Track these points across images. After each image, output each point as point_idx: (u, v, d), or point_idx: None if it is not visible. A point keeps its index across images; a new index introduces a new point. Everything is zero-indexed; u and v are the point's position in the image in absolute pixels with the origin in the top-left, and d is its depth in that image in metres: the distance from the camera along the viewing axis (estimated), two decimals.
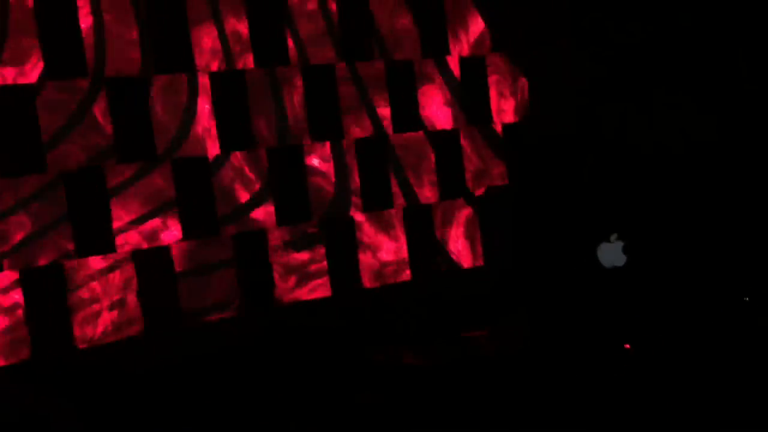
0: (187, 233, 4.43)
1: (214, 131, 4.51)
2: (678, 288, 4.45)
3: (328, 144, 4.82)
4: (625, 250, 4.48)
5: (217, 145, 4.52)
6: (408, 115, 5.08)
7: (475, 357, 4.27)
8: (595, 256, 4.52)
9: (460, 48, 5.23)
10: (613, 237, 4.53)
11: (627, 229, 4.51)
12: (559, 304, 4.54)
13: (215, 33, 4.50)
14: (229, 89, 4.54)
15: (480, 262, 5.27)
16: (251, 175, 4.63)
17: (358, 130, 4.90)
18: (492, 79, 5.33)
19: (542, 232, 4.93)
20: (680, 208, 4.76)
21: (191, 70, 4.42)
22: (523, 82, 5.37)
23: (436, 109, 5.19)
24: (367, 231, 4.91)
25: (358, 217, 4.93)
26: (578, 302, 4.50)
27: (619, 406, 3.59)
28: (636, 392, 3.71)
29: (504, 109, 5.32)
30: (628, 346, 4.24)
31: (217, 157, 4.53)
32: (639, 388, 3.76)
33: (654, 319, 4.31)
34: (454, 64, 5.23)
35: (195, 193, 4.46)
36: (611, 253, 4.54)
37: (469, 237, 5.27)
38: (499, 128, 5.37)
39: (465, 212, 5.26)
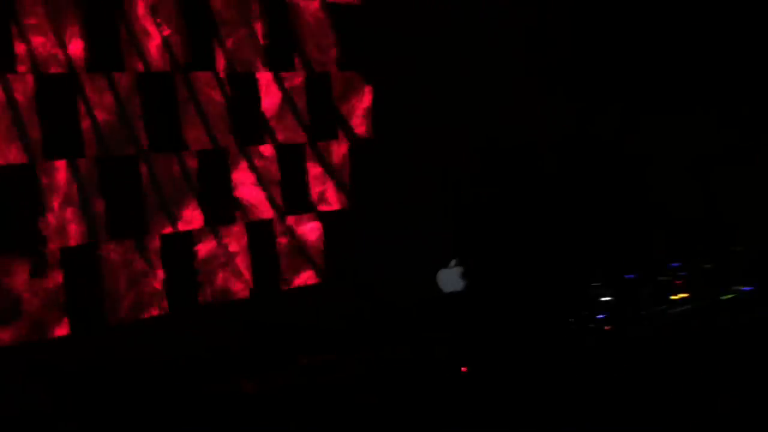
0: None
1: None
2: (512, 312, 4.64)
3: None
4: (464, 276, 4.65)
5: None
6: None
7: (319, 384, 4.29)
8: (435, 281, 4.67)
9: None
10: (453, 263, 4.69)
11: (466, 255, 4.68)
12: (400, 328, 4.63)
13: None
14: None
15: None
16: None
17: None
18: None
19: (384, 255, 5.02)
20: (515, 235, 4.98)
21: None
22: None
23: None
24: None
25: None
26: (420, 327, 4.61)
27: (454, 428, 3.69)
28: (470, 414, 3.82)
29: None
30: (464, 369, 4.37)
31: None
32: (474, 409, 3.88)
33: (490, 342, 4.47)
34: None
35: None
36: (451, 279, 4.70)
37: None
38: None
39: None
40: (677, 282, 5.12)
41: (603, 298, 4.93)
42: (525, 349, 4.37)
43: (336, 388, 4.09)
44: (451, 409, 3.92)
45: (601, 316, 4.75)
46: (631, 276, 5.18)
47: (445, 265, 4.72)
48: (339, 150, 5.39)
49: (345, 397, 4.01)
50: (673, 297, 4.91)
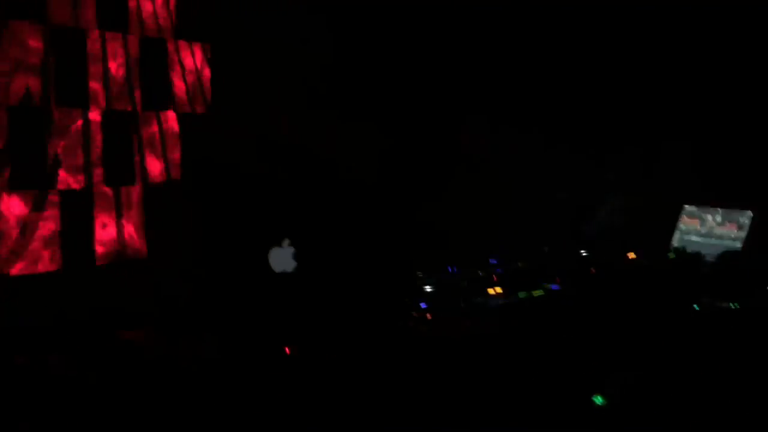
0: None
1: None
2: (341, 293, 4.72)
3: None
4: (295, 257, 4.66)
5: None
6: None
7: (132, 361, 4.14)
8: (267, 260, 4.65)
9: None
10: (285, 242, 4.69)
11: (298, 235, 4.70)
12: (228, 304, 4.58)
13: None
14: None
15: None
16: None
17: None
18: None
19: (217, 232, 4.96)
20: (346, 218, 5.08)
21: None
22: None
23: None
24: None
25: None
26: (248, 304, 4.58)
27: (276, 409, 3.69)
28: (294, 394, 3.84)
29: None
30: (288, 350, 4.39)
31: None
32: (297, 390, 3.90)
33: (317, 323, 4.52)
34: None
35: None
36: (282, 258, 4.70)
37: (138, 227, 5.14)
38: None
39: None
40: (494, 278, 5.39)
41: (426, 288, 5.12)
42: (351, 331, 4.46)
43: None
44: (275, 390, 3.92)
45: (423, 305, 4.93)
46: (453, 270, 5.41)
47: (278, 245, 4.72)
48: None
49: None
50: (489, 291, 5.18)
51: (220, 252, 5.24)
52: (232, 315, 4.50)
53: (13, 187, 4.47)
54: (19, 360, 3.86)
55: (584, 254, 5.78)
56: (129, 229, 5.12)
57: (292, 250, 4.72)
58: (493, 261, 5.57)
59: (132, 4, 5.08)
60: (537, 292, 5.11)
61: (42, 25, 4.62)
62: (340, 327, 4.57)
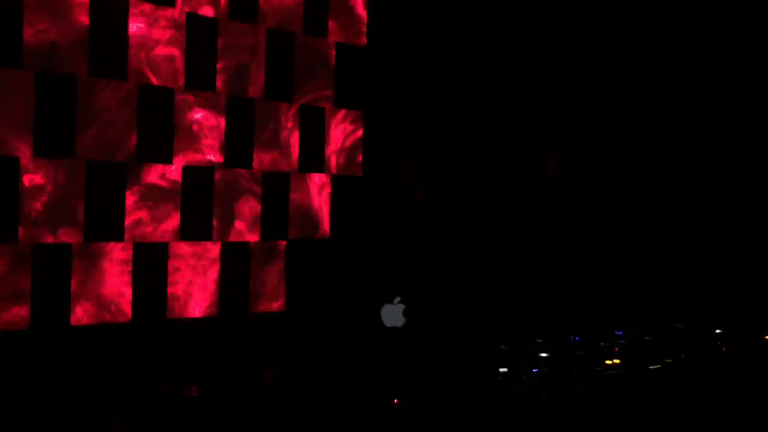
0: None
1: None
2: (449, 351, 4.87)
3: None
4: (405, 313, 4.88)
5: None
6: None
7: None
8: (379, 315, 4.90)
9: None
10: (396, 300, 4.93)
11: (409, 293, 4.93)
12: (340, 355, 4.85)
13: None
14: None
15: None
16: None
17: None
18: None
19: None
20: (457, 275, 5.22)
21: None
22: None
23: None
24: None
25: None
26: (359, 356, 4.83)
27: None
28: None
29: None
30: (396, 401, 4.59)
31: None
32: None
33: (425, 377, 4.69)
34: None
35: None
36: (393, 314, 4.93)
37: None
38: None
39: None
40: (616, 348, 5.32)
41: (543, 354, 5.16)
42: (459, 388, 4.60)
43: None
44: None
45: (535, 370, 4.97)
46: (575, 338, 5.40)
47: (389, 301, 4.97)
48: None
49: None
50: (607, 362, 5.13)
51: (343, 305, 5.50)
52: (346, 367, 4.77)
53: (184, 237, 4.86)
54: None
55: (718, 332, 5.56)
56: (272, 282, 5.52)
57: (402, 306, 4.95)
58: (618, 332, 5.50)
59: (297, 73, 5.58)
60: (655, 366, 5.00)
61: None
62: (449, 384, 4.72)
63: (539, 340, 5.30)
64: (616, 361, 5.08)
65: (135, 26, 4.56)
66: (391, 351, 4.83)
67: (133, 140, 4.57)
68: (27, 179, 4.28)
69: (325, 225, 5.49)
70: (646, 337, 5.47)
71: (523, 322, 5.34)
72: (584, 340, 5.36)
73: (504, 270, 5.62)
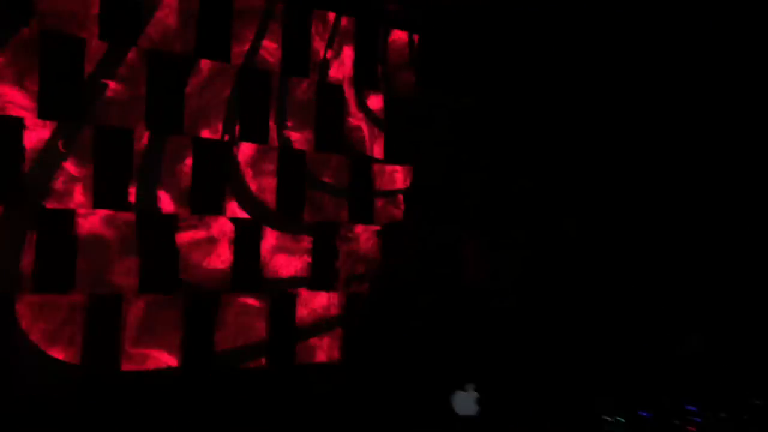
0: None
1: None
2: None
3: None
4: (478, 401, 4.93)
5: None
6: None
7: None
8: (450, 402, 4.96)
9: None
10: (469, 386, 4.97)
11: (482, 380, 4.95)
12: None
13: None
14: None
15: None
16: None
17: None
18: None
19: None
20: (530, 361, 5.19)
21: None
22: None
23: None
24: None
25: None
26: None
27: None
28: None
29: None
30: None
31: None
32: None
33: None
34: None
35: None
36: (465, 402, 4.99)
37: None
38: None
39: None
40: (690, 428, 5.27)
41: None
42: None
43: None
44: None
45: None
46: (645, 414, 5.36)
47: (461, 388, 5.04)
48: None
49: None
50: None
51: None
52: None
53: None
54: None
55: None
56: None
57: (475, 395, 5.00)
58: (691, 408, 5.44)
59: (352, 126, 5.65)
60: None
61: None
62: None
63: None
64: None
65: None
66: None
67: None
68: None
69: None
70: (722, 414, 5.40)
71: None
72: (655, 417, 5.33)
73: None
